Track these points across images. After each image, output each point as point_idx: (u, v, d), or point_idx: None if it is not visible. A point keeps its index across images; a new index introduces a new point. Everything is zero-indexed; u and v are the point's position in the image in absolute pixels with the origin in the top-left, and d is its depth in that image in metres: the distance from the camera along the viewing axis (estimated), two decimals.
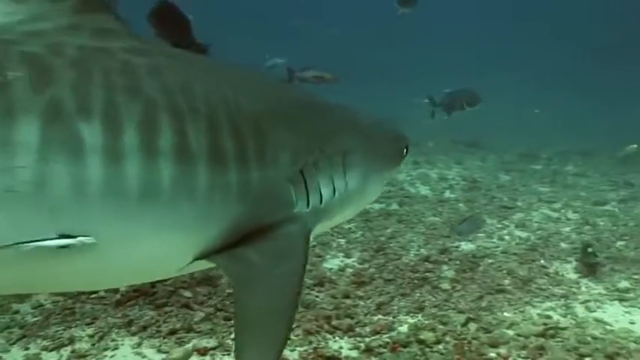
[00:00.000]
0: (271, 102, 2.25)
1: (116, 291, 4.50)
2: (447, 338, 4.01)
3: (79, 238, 1.56)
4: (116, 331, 3.96)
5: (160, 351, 3.77)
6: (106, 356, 3.67)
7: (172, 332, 4.01)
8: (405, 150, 2.92)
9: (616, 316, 4.49)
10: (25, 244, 1.51)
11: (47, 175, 1.51)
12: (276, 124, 2.13)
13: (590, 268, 5.48)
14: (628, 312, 4.58)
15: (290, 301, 1.92)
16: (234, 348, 1.90)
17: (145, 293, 4.55)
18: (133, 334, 3.94)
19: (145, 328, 4.03)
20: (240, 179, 1.92)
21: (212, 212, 1.88)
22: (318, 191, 2.25)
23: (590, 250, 5.65)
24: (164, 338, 3.93)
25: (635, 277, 5.32)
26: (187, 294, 4.64)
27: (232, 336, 4.04)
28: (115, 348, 3.76)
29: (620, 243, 6.47)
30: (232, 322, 4.22)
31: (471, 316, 4.35)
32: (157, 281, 4.78)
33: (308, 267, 5.34)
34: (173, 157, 1.73)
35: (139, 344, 3.83)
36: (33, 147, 1.50)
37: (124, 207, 1.65)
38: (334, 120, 2.57)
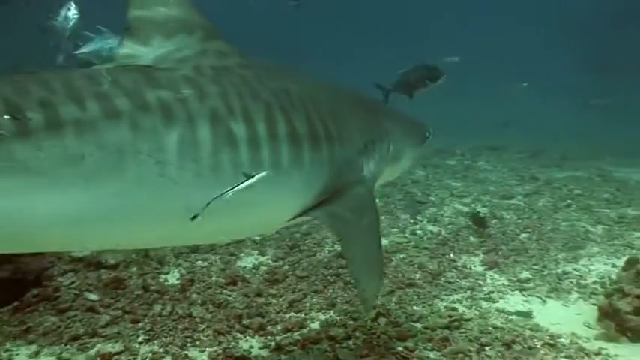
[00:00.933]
0: (340, 97, 3.17)
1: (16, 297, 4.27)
2: (357, 333, 4.08)
3: (259, 175, 2.19)
4: (12, 340, 3.76)
5: (60, 358, 3.63)
6: None
7: (75, 338, 3.86)
8: (427, 134, 3.89)
9: (516, 305, 4.71)
10: (226, 193, 2.15)
11: (220, 161, 2.25)
12: (346, 113, 2.99)
13: (481, 225, 6.80)
14: (527, 301, 4.81)
15: (377, 240, 2.86)
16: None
17: (46, 298, 4.35)
18: (31, 342, 3.76)
19: (44, 335, 3.86)
20: (329, 154, 2.70)
21: (312, 179, 2.65)
22: (374, 160, 3.12)
23: (481, 215, 7.19)
24: (66, 345, 3.78)
25: (535, 267, 5.60)
26: (93, 297, 4.48)
27: (140, 339, 3.95)
28: (9, 359, 3.56)
29: (523, 235, 6.79)
30: (140, 324, 4.13)
31: (382, 310, 4.43)
32: (62, 285, 4.60)
33: (221, 266, 5.32)
34: (288, 142, 2.49)
35: (37, 353, 3.66)
36: (208, 143, 2.22)
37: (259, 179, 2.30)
38: (378, 110, 3.54)
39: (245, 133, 2.34)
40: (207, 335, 4.06)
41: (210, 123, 2.25)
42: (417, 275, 5.28)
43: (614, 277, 4.93)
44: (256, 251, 5.86)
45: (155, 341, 3.93)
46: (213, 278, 5.09)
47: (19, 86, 2.01)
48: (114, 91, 2.12)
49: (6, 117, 1.85)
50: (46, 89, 2.02)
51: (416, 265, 5.53)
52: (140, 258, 5.35)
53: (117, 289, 4.62)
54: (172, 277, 5.10)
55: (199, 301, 4.56)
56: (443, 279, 5.22)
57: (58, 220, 2.00)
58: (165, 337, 3.99)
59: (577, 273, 5.45)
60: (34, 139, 1.90)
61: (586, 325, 4.29)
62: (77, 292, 4.52)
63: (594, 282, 5.19)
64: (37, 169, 1.91)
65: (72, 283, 4.65)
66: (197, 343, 3.95)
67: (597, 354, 3.82)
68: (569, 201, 8.82)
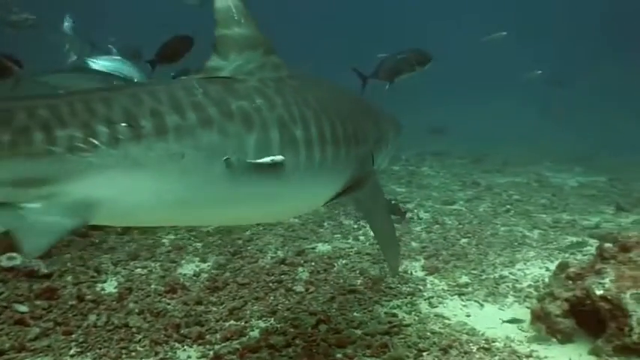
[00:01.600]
0: (355, 102, 3.85)
1: None
2: (297, 341, 4.07)
3: (276, 158, 2.74)
4: None
5: None
6: None
7: (0, 353, 3.68)
8: (401, 127, 4.60)
9: (455, 310, 4.80)
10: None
11: (286, 159, 2.77)
12: (362, 117, 3.65)
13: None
14: (465, 305, 4.91)
15: (388, 215, 3.97)
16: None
17: None
18: None
19: None
20: (355, 152, 3.33)
21: (342, 172, 3.28)
22: (379, 155, 3.82)
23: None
24: None
25: (474, 272, 5.72)
26: (23, 308, 4.31)
27: (71, 352, 3.84)
28: None
29: (463, 240, 6.93)
30: (73, 336, 4.00)
31: (322, 317, 4.44)
32: None
33: (161, 274, 5.22)
34: (330, 142, 3.06)
35: None
36: (277, 144, 2.77)
37: (311, 172, 2.97)
38: (377, 112, 4.08)
39: (302, 136, 2.90)
40: (144, 346, 3.97)
41: (278, 128, 2.80)
42: (359, 281, 5.32)
43: (547, 280, 5.10)
44: (197, 258, 5.78)
45: (88, 353, 3.82)
46: (153, 286, 4.98)
47: (135, 97, 2.54)
48: (205, 102, 2.66)
49: (123, 124, 2.39)
50: (155, 100, 2.55)
51: (357, 271, 5.57)
52: (76, 267, 5.20)
53: (49, 300, 4.46)
54: (110, 286, 4.97)
55: (137, 311, 4.45)
56: (384, 285, 5.26)
57: (160, 204, 2.55)
58: (100, 348, 3.89)
59: (513, 277, 5.59)
60: (145, 142, 2.43)
61: (520, 329, 4.40)
62: (5, 304, 4.33)
63: (529, 286, 5.34)
64: (148, 164, 2.44)
65: (0, 294, 4.45)
66: (133, 354, 3.86)
67: (529, 356, 3.94)
68: (508, 206, 9.09)
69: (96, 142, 2.32)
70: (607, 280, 4.00)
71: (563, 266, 4.69)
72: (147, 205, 2.53)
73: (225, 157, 2.61)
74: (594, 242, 6.55)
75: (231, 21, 2.92)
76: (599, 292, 3.96)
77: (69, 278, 4.96)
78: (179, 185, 2.54)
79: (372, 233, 7.04)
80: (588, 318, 4.12)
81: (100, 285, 4.97)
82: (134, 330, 4.15)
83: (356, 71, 8.03)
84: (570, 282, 4.35)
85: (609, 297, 3.88)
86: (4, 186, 2.23)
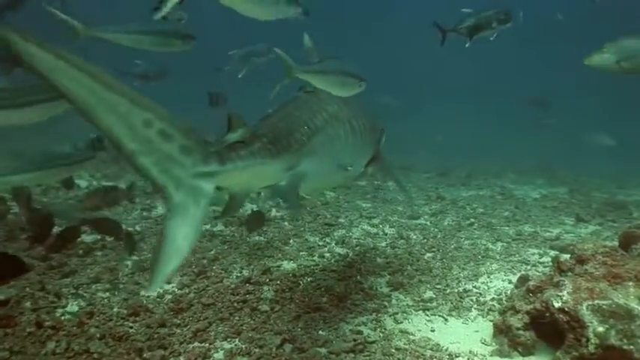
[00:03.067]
0: (362, 107, 4.96)
1: None
2: None
3: (349, 168, 4.34)
4: None
5: None
6: None
7: None
8: None
9: (419, 325, 4.84)
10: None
11: (355, 142, 4.49)
12: (370, 113, 5.04)
13: (261, 223, 7.68)
14: (430, 321, 4.95)
15: (397, 175, 6.23)
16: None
17: None
18: None
19: None
20: (374, 137, 5.09)
21: (370, 149, 5.01)
22: (382, 139, 5.36)
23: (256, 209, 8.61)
24: None
25: (438, 286, 5.78)
26: None
27: None
28: None
29: (428, 255, 7.00)
30: None
31: (287, 336, 4.42)
32: None
33: (124, 296, 5.12)
34: (367, 130, 4.72)
35: None
36: (350, 133, 4.34)
37: (361, 150, 4.78)
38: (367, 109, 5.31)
39: (357, 126, 4.43)
40: None
41: (349, 122, 4.32)
42: (324, 299, 5.31)
43: (509, 293, 5.17)
44: None
45: None
46: (115, 310, 4.89)
47: (294, 111, 3.87)
48: (318, 108, 4.08)
49: (306, 127, 3.75)
50: (304, 111, 3.93)
51: (323, 289, 5.56)
52: (35, 292, 5.06)
53: (5, 328, 4.32)
54: (70, 311, 4.86)
55: (98, 336, 4.36)
56: (349, 301, 5.27)
57: (316, 178, 3.82)
58: None
59: (477, 291, 5.67)
60: (317, 137, 3.82)
61: (482, 342, 4.47)
62: None
63: (492, 299, 5.42)
64: (317, 152, 3.79)
65: None
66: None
67: None
68: (472, 219, 9.22)
69: (305, 139, 3.66)
70: (565, 293, 4.09)
71: (523, 280, 4.78)
72: (314, 179, 3.76)
73: (336, 144, 4.10)
74: (555, 254, 6.67)
75: (310, 52, 4.49)
76: (557, 305, 4.04)
77: (27, 304, 4.83)
78: (323, 164, 3.88)
79: (337, 250, 7.11)
80: (548, 330, 4.20)
81: (60, 310, 4.86)
82: (95, 356, 4.06)
83: (436, 25, 7.65)
84: (530, 295, 4.43)
85: (567, 309, 3.96)
86: (279, 173, 3.45)
